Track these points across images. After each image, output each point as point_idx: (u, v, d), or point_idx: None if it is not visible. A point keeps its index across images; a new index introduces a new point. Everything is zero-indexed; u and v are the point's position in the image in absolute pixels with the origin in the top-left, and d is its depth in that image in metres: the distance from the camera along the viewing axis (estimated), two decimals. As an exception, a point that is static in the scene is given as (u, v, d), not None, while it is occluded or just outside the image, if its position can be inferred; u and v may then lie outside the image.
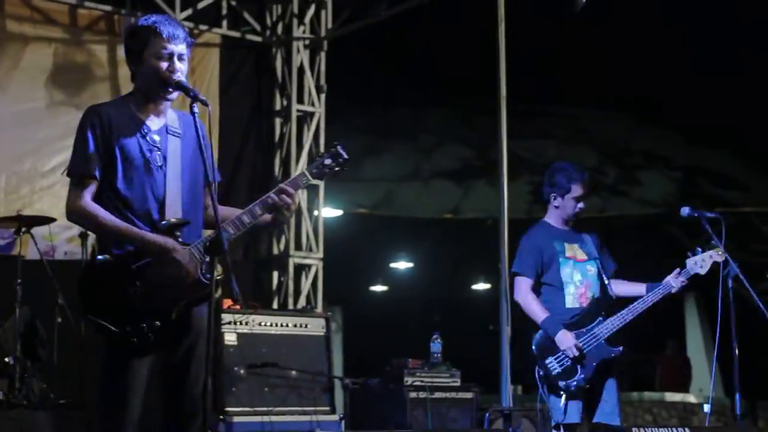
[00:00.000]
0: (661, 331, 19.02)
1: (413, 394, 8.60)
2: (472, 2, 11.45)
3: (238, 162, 11.73)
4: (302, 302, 11.52)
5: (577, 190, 7.08)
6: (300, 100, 11.92)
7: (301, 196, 11.78)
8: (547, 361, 6.87)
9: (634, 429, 5.01)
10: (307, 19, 11.92)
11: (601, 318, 6.89)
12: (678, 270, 6.97)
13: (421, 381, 8.71)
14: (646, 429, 5.03)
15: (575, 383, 6.81)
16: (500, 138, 9.84)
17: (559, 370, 6.84)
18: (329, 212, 15.97)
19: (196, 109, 4.68)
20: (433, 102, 16.60)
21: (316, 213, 11.96)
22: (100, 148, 4.69)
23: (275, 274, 11.82)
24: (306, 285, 11.73)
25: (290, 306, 11.44)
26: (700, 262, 6.94)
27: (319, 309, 11.50)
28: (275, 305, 11.56)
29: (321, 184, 11.89)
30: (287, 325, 8.81)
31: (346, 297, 21.21)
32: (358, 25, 11.62)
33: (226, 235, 4.64)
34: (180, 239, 4.69)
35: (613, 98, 16.16)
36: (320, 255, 11.85)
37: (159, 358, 4.76)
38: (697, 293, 19.47)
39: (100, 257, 4.68)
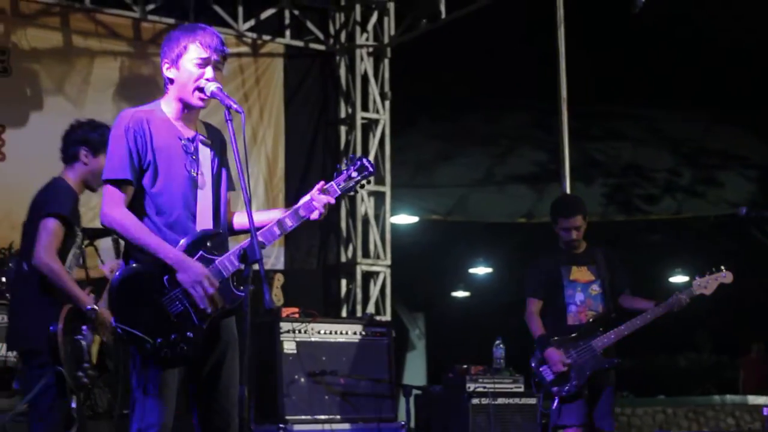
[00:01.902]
0: (747, 335, 18.75)
1: (475, 401, 8.57)
2: (533, 3, 11.39)
3: (306, 171, 11.76)
4: (371, 309, 11.50)
5: (562, 223, 7.59)
6: (364, 108, 11.92)
7: (368, 204, 11.80)
8: (541, 369, 7.43)
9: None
10: (369, 27, 11.92)
11: (599, 332, 7.38)
12: (680, 291, 7.36)
13: (484, 387, 8.66)
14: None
15: (567, 390, 7.35)
16: (561, 140, 9.86)
17: (552, 377, 7.39)
18: (404, 219, 15.96)
19: (229, 117, 4.67)
20: (506, 106, 16.51)
21: (383, 220, 11.92)
22: (136, 153, 4.70)
23: (343, 282, 11.83)
24: (374, 292, 11.72)
25: (359, 313, 11.44)
26: (704, 284, 7.31)
27: (388, 316, 11.49)
28: (344, 313, 11.57)
29: (387, 191, 11.88)
30: (347, 333, 8.82)
31: (428, 303, 21.19)
32: (421, 31, 11.57)
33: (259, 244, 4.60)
34: (211, 250, 4.68)
35: (689, 97, 15.96)
36: (388, 262, 11.83)
37: (188, 369, 4.77)
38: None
39: (131, 266, 4.68)
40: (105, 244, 8.94)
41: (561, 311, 7.57)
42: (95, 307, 6.12)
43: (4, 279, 8.31)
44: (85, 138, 6.40)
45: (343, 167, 5.02)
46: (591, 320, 7.43)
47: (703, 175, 16.39)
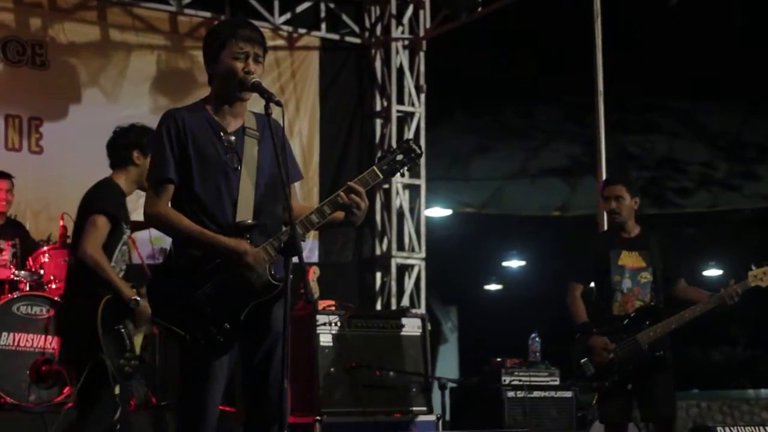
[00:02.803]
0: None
1: (511, 394, 8.55)
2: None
3: (342, 163, 11.79)
4: (405, 302, 11.53)
5: (605, 192, 7.40)
6: (400, 101, 11.93)
7: (403, 197, 11.81)
8: (582, 362, 7.13)
9: (719, 427, 4.87)
10: (405, 20, 11.92)
11: (645, 324, 7.05)
12: (734, 281, 7.04)
13: (519, 380, 8.65)
14: (732, 428, 4.91)
15: (608, 384, 7.06)
16: (598, 133, 9.79)
17: (593, 371, 7.10)
18: (438, 212, 15.98)
19: (270, 110, 4.68)
20: (541, 99, 16.49)
21: (418, 213, 11.92)
22: (177, 152, 4.73)
23: (378, 275, 11.84)
24: (409, 285, 11.73)
25: (393, 306, 11.45)
26: (761, 275, 6.99)
27: (422, 309, 11.49)
28: (378, 306, 11.59)
29: (422, 184, 11.89)
30: (383, 326, 8.81)
31: (461, 296, 21.19)
32: (456, 24, 11.54)
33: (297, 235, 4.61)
34: (250, 242, 4.70)
35: (725, 90, 15.88)
36: (422, 255, 11.84)
37: (238, 361, 4.80)
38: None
39: (168, 260, 4.76)
40: (142, 236, 9.03)
41: (607, 298, 7.24)
42: (137, 298, 6.27)
43: (43, 271, 8.37)
44: (137, 141, 6.58)
45: (390, 151, 4.99)
46: (637, 311, 7.11)
47: (739, 169, 16.31)
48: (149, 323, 6.40)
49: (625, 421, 7.22)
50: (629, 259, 7.25)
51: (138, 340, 6.45)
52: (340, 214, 4.85)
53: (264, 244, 4.71)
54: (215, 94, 4.88)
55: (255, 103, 4.87)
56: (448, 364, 20.19)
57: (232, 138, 4.83)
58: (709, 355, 23.99)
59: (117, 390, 6.40)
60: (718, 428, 4.92)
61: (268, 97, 4.68)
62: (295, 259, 4.50)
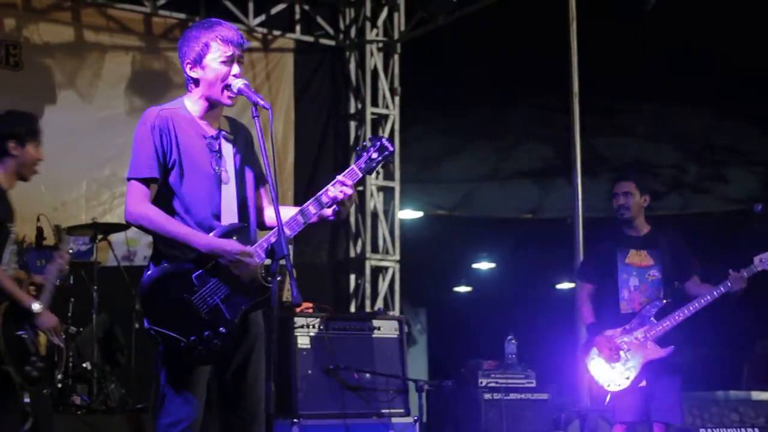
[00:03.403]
0: (750, 329, 18.74)
1: (488, 396, 8.57)
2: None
3: (317, 165, 11.79)
4: (380, 304, 11.54)
5: (613, 188, 7.37)
6: (374, 103, 11.95)
7: (378, 199, 11.82)
8: (591, 364, 7.13)
9: (701, 429, 4.90)
10: (380, 22, 11.94)
11: (653, 321, 7.03)
12: (738, 270, 6.94)
13: (496, 382, 8.67)
14: (714, 429, 4.94)
15: (620, 385, 7.02)
16: (573, 135, 9.88)
17: (603, 372, 7.08)
18: (409, 214, 15.96)
19: (256, 113, 4.67)
20: (512, 101, 16.49)
21: (392, 215, 11.94)
22: (161, 150, 4.70)
23: (352, 277, 11.85)
24: (383, 287, 11.75)
25: (367, 308, 11.46)
26: (766, 259, 6.90)
27: (396, 311, 11.52)
28: (353, 308, 11.60)
29: (397, 186, 11.91)
30: (360, 328, 8.80)
31: (430, 298, 21.20)
32: (431, 27, 11.56)
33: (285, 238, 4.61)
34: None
35: (694, 93, 15.93)
36: (397, 257, 11.86)
37: (217, 365, 4.78)
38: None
39: (158, 265, 4.69)
40: (118, 237, 9.01)
41: (614, 297, 7.22)
42: (38, 305, 6.01)
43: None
44: (12, 130, 6.18)
45: (363, 149, 5.02)
46: (643, 308, 7.08)
47: (709, 172, 16.37)
48: (56, 333, 6.12)
49: (639, 420, 7.14)
50: (637, 258, 7.23)
51: (42, 341, 6.12)
52: (327, 210, 4.88)
53: (254, 246, 4.71)
54: (198, 97, 4.84)
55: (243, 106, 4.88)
56: (417, 366, 20.15)
57: (214, 141, 4.83)
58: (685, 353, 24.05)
59: (27, 398, 6.21)
60: (701, 431, 4.92)
61: (255, 101, 4.68)
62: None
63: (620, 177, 7.46)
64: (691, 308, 6.97)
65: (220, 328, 4.62)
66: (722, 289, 6.91)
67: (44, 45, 10.22)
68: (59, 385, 7.99)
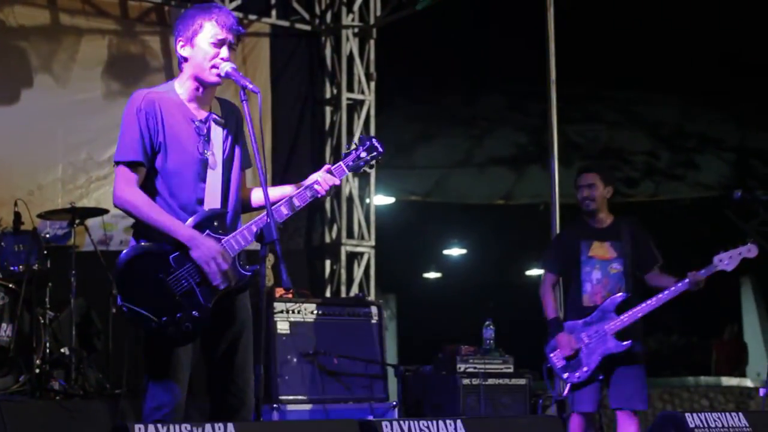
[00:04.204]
0: (718, 316, 18.90)
1: (466, 381, 8.59)
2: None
3: (293, 151, 11.74)
4: (355, 290, 11.53)
5: (576, 181, 7.47)
6: (350, 89, 11.91)
7: (353, 184, 11.81)
8: (552, 355, 7.31)
9: (687, 415, 4.92)
10: (355, 7, 11.89)
11: (613, 314, 7.15)
12: (697, 270, 7.04)
13: (474, 367, 8.70)
14: (701, 414, 4.97)
15: (578, 376, 7.21)
16: (551, 122, 9.88)
17: (563, 363, 7.27)
18: (381, 200, 15.98)
19: (244, 97, 4.67)
20: (485, 88, 16.54)
21: (367, 201, 11.93)
22: (147, 135, 4.71)
23: (328, 263, 11.83)
24: (358, 273, 11.74)
25: (343, 294, 11.46)
26: (726, 259, 7.01)
27: (372, 297, 11.51)
28: (328, 293, 11.59)
29: (372, 172, 11.88)
30: (339, 314, 8.82)
31: (400, 284, 21.24)
32: (407, 12, 11.53)
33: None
34: (218, 229, 4.73)
35: (664, 80, 16.04)
36: (372, 243, 11.86)
37: (204, 349, 4.80)
38: (753, 277, 19.29)
39: (138, 244, 4.70)
40: (94, 221, 8.96)
41: (577, 290, 7.38)
42: None
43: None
44: None
45: (352, 147, 5.07)
46: (605, 302, 7.19)
47: (681, 158, 16.49)
48: None
49: (595, 410, 7.32)
50: (600, 250, 7.33)
51: None
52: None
53: (235, 234, 4.72)
54: (187, 78, 4.86)
55: (228, 88, 4.87)
56: (387, 352, 20.22)
57: (202, 124, 4.83)
58: (645, 343, 24.25)
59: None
60: (687, 416, 4.95)
61: (243, 85, 4.68)
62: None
63: (584, 169, 7.56)
64: (651, 303, 7.09)
65: (193, 312, 4.62)
66: (681, 286, 7.02)
67: (19, 28, 10.11)
68: (37, 371, 7.98)
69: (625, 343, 7.09)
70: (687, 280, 6.98)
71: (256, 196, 5.03)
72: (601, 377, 7.19)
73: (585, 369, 7.17)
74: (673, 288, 7.04)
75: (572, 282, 7.44)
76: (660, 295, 7.07)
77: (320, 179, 4.92)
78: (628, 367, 7.18)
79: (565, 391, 7.29)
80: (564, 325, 7.35)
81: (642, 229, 7.44)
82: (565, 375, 7.25)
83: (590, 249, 7.34)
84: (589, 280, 7.33)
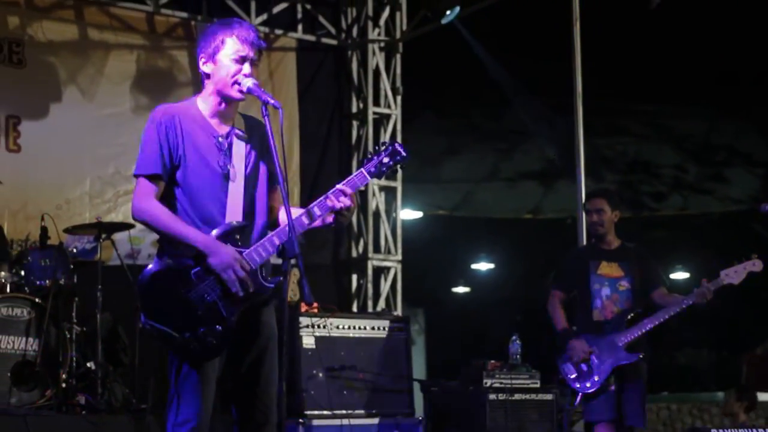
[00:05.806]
0: (748, 331, 18.76)
1: (492, 396, 8.55)
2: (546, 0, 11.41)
3: (321, 164, 11.76)
4: (381, 305, 11.53)
5: (586, 205, 7.93)
6: (376, 103, 11.92)
7: (380, 199, 11.80)
8: (564, 366, 7.51)
9: (714, 430, 4.89)
10: (381, 22, 11.91)
11: (624, 327, 7.34)
12: (706, 280, 7.20)
13: (501, 383, 8.66)
14: (728, 430, 4.94)
15: (589, 386, 7.38)
16: (577, 135, 9.89)
17: (575, 374, 7.43)
18: (409, 214, 15.96)
19: (266, 112, 4.67)
20: (512, 101, 16.49)
21: (394, 215, 11.92)
22: (168, 148, 4.72)
23: (354, 277, 11.83)
24: (385, 287, 11.73)
25: (369, 308, 11.44)
26: (732, 274, 7.13)
27: (398, 311, 11.49)
28: (355, 308, 11.58)
29: (399, 186, 11.89)
30: (365, 328, 8.81)
31: (428, 299, 21.21)
32: (433, 27, 11.54)
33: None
34: (239, 243, 4.70)
35: (693, 93, 15.96)
36: (399, 257, 11.84)
37: (228, 365, 4.78)
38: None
39: (160, 261, 4.70)
40: (121, 236, 8.98)
41: (587, 305, 7.55)
42: None
43: (23, 272, 8.30)
44: None
45: (374, 153, 4.98)
46: (616, 316, 7.42)
47: (709, 172, 16.41)
48: None
49: (608, 419, 7.39)
50: (608, 269, 7.59)
51: None
52: (328, 217, 4.86)
53: (256, 246, 4.70)
54: (209, 94, 4.85)
55: (253, 107, 4.87)
56: (415, 367, 20.10)
57: (223, 139, 4.82)
58: (674, 358, 24.14)
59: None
60: (714, 431, 4.92)
61: (265, 100, 4.68)
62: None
63: (592, 194, 7.90)
64: (659, 318, 7.28)
65: (216, 326, 4.61)
66: (688, 301, 7.19)
67: (48, 43, 10.18)
68: (63, 385, 8.01)
69: (635, 355, 7.29)
70: (693, 294, 7.14)
71: (283, 213, 5.00)
72: (612, 387, 7.35)
73: (596, 379, 7.35)
74: (680, 301, 7.22)
75: (582, 298, 7.62)
76: (668, 308, 7.26)
77: (331, 195, 4.84)
78: (632, 383, 7.39)
79: (577, 402, 7.47)
80: (574, 335, 7.53)
81: (648, 252, 7.71)
82: (577, 385, 7.42)
83: (599, 268, 7.59)
84: (599, 296, 7.56)
